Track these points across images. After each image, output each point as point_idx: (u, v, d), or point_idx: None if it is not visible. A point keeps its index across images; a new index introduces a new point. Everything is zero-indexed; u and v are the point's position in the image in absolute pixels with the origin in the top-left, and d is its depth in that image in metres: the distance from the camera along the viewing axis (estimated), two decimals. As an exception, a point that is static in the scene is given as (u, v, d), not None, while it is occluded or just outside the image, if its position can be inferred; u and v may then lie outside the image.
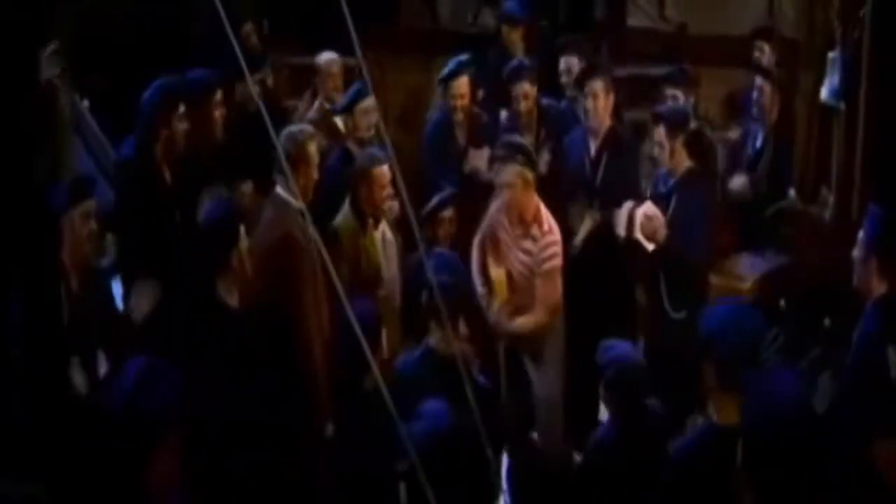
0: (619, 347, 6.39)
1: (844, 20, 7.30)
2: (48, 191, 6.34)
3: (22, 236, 6.14)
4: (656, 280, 8.00)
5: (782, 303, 7.09)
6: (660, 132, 7.95)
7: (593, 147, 8.66)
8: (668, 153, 7.94)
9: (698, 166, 7.92)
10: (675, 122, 7.98)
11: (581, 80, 8.79)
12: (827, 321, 6.69)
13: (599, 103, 8.58)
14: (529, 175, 7.66)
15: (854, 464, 5.07)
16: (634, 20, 11.36)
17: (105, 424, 4.63)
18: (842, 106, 7.14)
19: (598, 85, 8.57)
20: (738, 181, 8.67)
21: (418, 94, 11.22)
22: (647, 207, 7.94)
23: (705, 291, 7.70)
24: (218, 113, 7.92)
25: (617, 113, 8.83)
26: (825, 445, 4.47)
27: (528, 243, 7.73)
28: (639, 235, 7.89)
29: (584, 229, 8.42)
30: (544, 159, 8.85)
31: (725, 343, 4.67)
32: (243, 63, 4.55)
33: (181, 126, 7.44)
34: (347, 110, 8.69)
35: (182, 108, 7.44)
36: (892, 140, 6.65)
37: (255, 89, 8.03)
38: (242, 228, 6.61)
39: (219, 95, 7.93)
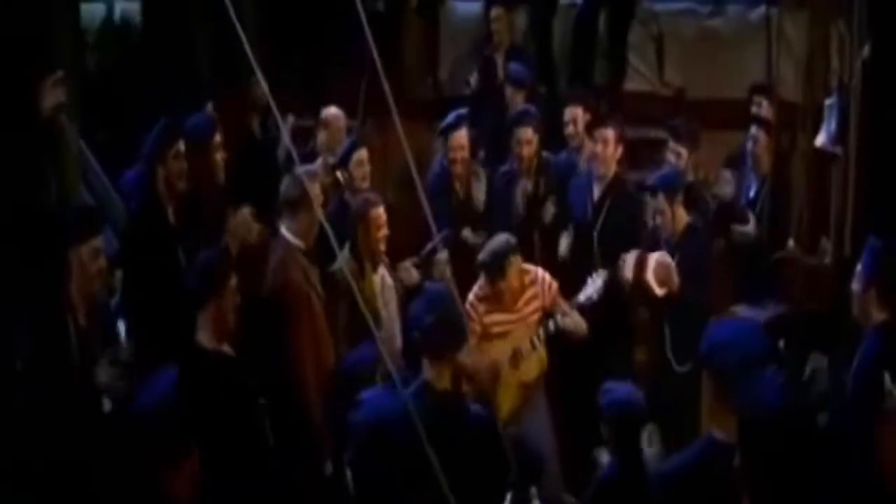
0: (621, 389, 6.44)
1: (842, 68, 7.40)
2: (56, 219, 6.40)
3: (29, 267, 6.16)
4: (660, 331, 8.03)
5: (781, 344, 7.11)
6: (659, 200, 8.16)
7: (597, 192, 8.81)
8: (669, 218, 8.14)
9: (697, 220, 8.05)
10: (672, 187, 8.19)
11: (591, 127, 8.91)
12: (826, 361, 6.71)
13: (608, 150, 8.75)
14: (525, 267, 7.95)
15: (857, 482, 5.07)
16: (633, 84, 11.47)
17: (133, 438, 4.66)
18: (839, 151, 7.21)
19: (609, 133, 8.75)
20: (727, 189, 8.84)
21: (420, 157, 11.29)
22: (661, 255, 8.03)
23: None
24: (219, 156, 8.01)
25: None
26: (826, 462, 4.48)
27: (535, 303, 7.96)
28: (650, 278, 7.96)
29: (588, 290, 8.43)
30: (549, 211, 8.95)
31: (726, 357, 4.69)
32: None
33: (180, 165, 7.54)
34: (344, 162, 8.88)
35: (182, 147, 7.53)
36: (888, 176, 6.71)
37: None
38: (234, 279, 6.61)
39: (217, 138, 8.03)
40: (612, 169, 8.80)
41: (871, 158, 6.89)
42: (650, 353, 8.38)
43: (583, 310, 8.09)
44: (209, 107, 9.27)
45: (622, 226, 8.70)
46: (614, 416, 6.28)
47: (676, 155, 9.09)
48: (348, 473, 4.61)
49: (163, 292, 7.08)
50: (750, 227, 8.87)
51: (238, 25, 5.02)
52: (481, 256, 7.97)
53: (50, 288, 6.14)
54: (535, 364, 7.97)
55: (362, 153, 8.90)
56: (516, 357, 7.93)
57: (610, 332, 8.43)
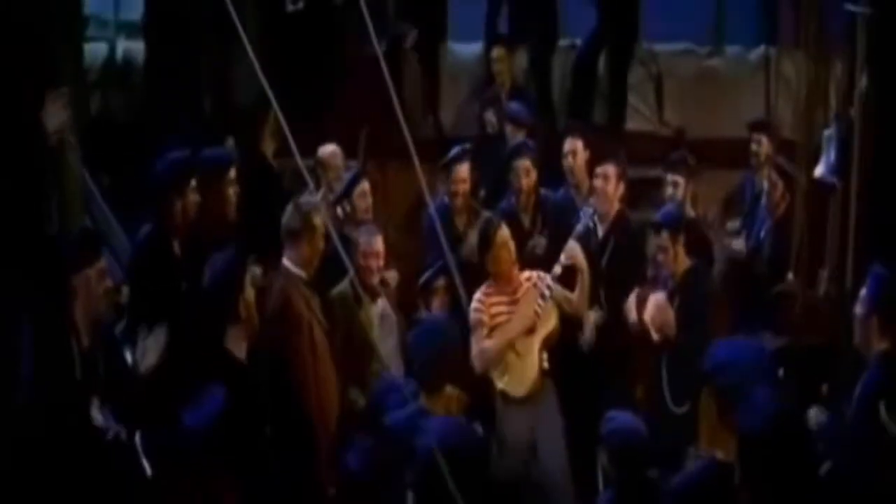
0: (622, 418, 6.41)
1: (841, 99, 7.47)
2: (59, 243, 6.44)
3: (31, 289, 6.19)
4: (658, 371, 8.02)
5: (780, 372, 7.10)
6: (663, 237, 8.10)
7: (601, 230, 8.75)
8: (671, 256, 8.09)
9: (699, 264, 8.10)
10: (676, 224, 8.15)
11: (592, 164, 8.91)
12: (825, 387, 6.71)
13: (609, 186, 8.71)
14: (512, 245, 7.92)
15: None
16: (633, 124, 11.53)
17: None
18: (837, 181, 7.25)
19: (609, 168, 8.72)
20: (738, 243, 8.83)
21: (420, 200, 11.33)
22: (660, 297, 8.01)
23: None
24: (231, 191, 8.03)
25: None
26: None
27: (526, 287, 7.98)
28: (647, 321, 7.93)
29: (589, 327, 8.43)
30: (540, 244, 8.95)
31: (728, 375, 4.71)
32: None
33: (193, 199, 7.51)
34: (347, 195, 8.96)
35: (193, 183, 7.53)
36: (890, 206, 6.75)
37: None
38: (248, 278, 6.72)
39: (232, 173, 8.05)
40: (615, 207, 8.77)
41: (872, 188, 6.91)
42: (648, 393, 8.34)
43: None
44: (230, 141, 9.32)
45: (627, 265, 8.62)
46: (616, 444, 6.25)
47: (673, 185, 9.12)
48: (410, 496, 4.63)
49: (165, 320, 7.09)
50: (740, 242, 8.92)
51: (256, 62, 5.05)
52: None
53: (54, 311, 6.15)
54: (551, 315, 7.97)
55: (365, 185, 9.07)
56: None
57: (610, 370, 8.42)
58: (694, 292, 8.06)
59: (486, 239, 7.97)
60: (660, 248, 8.14)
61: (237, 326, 6.74)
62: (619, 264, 8.62)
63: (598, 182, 8.72)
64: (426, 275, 8.62)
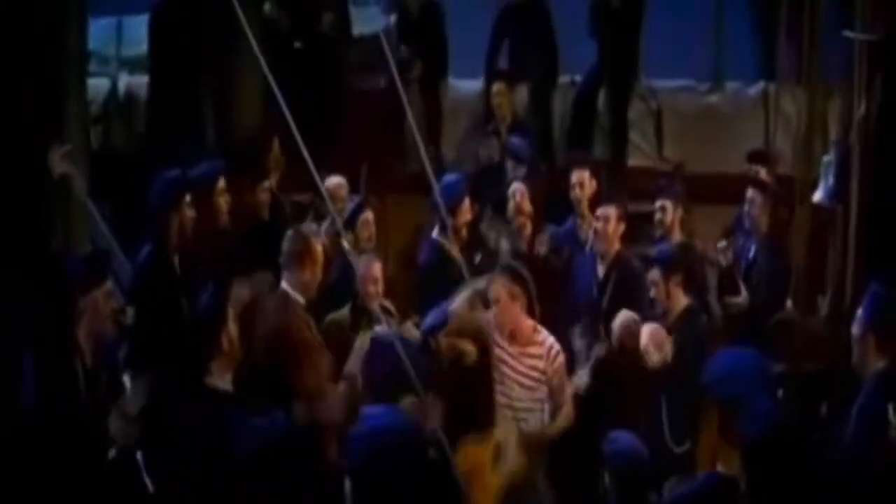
0: (624, 440, 6.42)
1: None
2: (63, 265, 6.48)
3: (36, 308, 6.22)
4: (658, 410, 8.00)
5: (780, 393, 7.10)
6: (654, 273, 8.16)
7: (601, 270, 8.80)
8: (663, 293, 8.12)
9: (696, 303, 8.15)
10: (670, 264, 8.18)
11: (594, 203, 8.94)
12: (824, 407, 6.71)
13: (609, 227, 8.79)
14: (517, 290, 7.70)
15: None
16: (633, 160, 11.57)
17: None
18: (837, 206, 7.27)
19: (610, 211, 8.80)
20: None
21: (420, 233, 11.35)
22: (652, 325, 8.03)
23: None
24: (223, 200, 8.11)
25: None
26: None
27: (535, 361, 7.75)
28: (646, 345, 7.91)
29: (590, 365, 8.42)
30: (543, 240, 9.13)
31: (729, 385, 4.70)
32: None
33: (189, 215, 7.67)
34: (351, 223, 9.05)
35: (188, 199, 7.66)
36: (887, 226, 6.77)
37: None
38: (231, 312, 6.72)
39: (222, 183, 8.15)
40: (615, 246, 8.82)
41: (871, 211, 6.93)
42: (648, 431, 8.31)
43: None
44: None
45: (628, 303, 8.57)
46: (617, 466, 6.25)
47: (662, 210, 9.16)
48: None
49: (169, 340, 7.13)
50: (742, 298, 8.91)
51: (279, 93, 5.10)
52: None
53: (58, 332, 6.16)
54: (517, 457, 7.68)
55: (368, 215, 9.23)
56: (498, 451, 7.76)
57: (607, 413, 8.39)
58: (691, 331, 8.08)
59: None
60: (652, 282, 8.20)
61: (220, 359, 6.77)
62: (621, 303, 8.58)
63: (598, 224, 8.81)
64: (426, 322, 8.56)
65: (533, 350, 7.76)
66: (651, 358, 7.94)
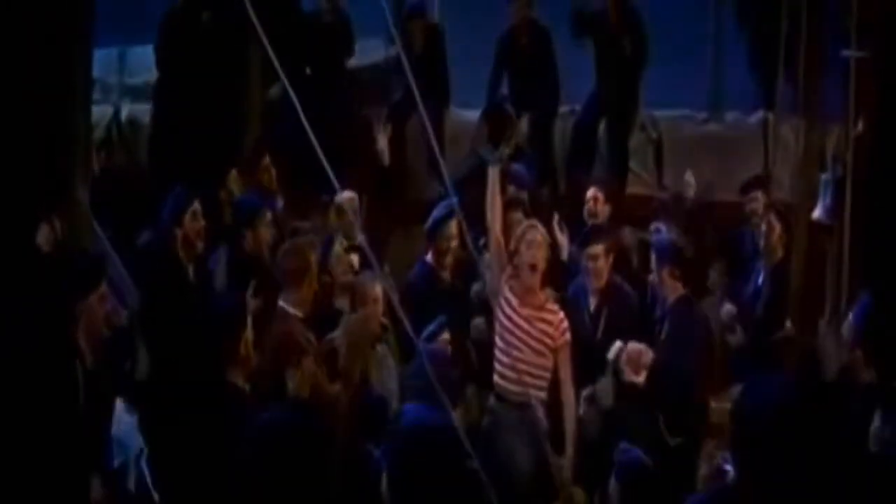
0: (633, 452, 6.48)
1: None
2: (62, 268, 6.53)
3: (33, 315, 6.24)
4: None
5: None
6: (652, 259, 8.43)
7: (593, 304, 8.83)
8: (658, 279, 8.35)
9: (690, 292, 8.23)
10: (661, 253, 8.46)
11: (584, 243, 9.00)
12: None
13: (599, 264, 8.79)
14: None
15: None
16: (632, 188, 11.60)
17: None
18: (835, 222, 7.31)
19: (598, 249, 8.81)
20: (727, 308, 8.87)
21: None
22: (632, 344, 8.04)
23: (704, 416, 7.76)
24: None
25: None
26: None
27: (548, 316, 8.03)
28: (624, 368, 7.91)
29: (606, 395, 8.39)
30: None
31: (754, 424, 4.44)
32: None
33: (198, 225, 7.98)
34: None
35: (198, 207, 7.90)
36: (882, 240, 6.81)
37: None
38: (249, 319, 6.77)
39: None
40: (604, 279, 8.84)
41: (867, 227, 6.97)
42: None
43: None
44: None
45: (622, 332, 8.62)
46: (625, 478, 6.30)
47: (656, 230, 9.40)
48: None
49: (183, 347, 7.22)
50: (739, 335, 8.98)
51: (303, 118, 5.14)
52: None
53: (57, 334, 6.19)
54: None
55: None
56: None
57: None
58: (683, 318, 8.24)
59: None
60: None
61: (236, 365, 6.79)
62: (614, 335, 8.58)
63: (588, 264, 8.80)
64: (428, 330, 8.57)
65: (546, 316, 8.01)
66: (629, 378, 7.94)
